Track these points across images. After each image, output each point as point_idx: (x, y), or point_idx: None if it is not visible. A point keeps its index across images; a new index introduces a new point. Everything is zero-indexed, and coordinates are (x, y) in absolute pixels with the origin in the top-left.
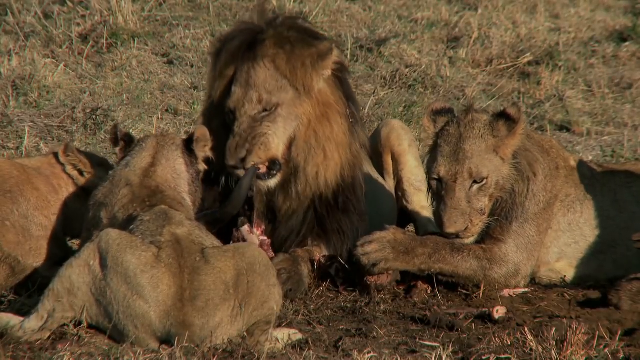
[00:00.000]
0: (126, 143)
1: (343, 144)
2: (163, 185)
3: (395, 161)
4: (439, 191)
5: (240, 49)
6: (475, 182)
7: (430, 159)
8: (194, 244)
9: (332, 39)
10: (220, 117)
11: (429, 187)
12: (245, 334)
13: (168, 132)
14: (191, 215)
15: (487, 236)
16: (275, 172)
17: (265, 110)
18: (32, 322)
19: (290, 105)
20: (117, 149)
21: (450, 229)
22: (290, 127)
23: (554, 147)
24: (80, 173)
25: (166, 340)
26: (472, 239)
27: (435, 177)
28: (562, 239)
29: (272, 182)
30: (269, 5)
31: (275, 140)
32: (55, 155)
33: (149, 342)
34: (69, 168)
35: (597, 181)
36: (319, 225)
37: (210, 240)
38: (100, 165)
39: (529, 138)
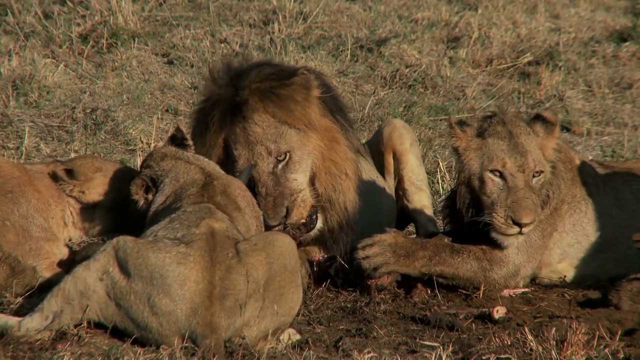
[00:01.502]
0: (150, 186)
1: (353, 159)
2: (229, 186)
3: (397, 160)
4: (497, 186)
5: (224, 116)
6: (534, 175)
7: (482, 155)
8: (229, 238)
9: (303, 66)
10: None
11: (480, 184)
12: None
13: (152, 149)
14: (257, 214)
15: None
16: (315, 216)
17: (278, 160)
18: (35, 322)
19: (299, 147)
20: (150, 195)
21: (527, 218)
22: (308, 167)
23: (562, 149)
24: (82, 192)
25: (189, 338)
26: (524, 237)
27: (499, 169)
28: (565, 240)
29: (319, 225)
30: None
31: (305, 189)
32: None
33: (172, 340)
34: (67, 192)
35: (599, 180)
36: (319, 239)
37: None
38: (99, 171)
39: None
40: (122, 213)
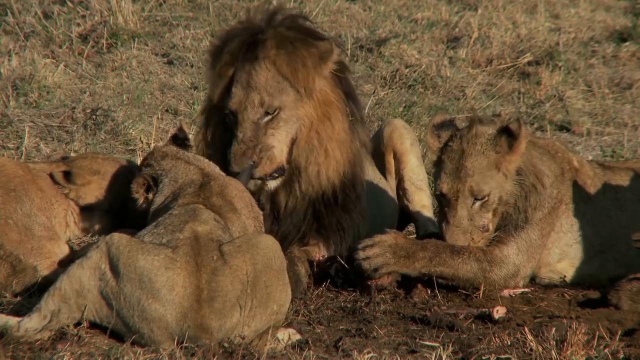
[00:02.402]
0: (151, 185)
1: (344, 141)
2: (226, 187)
3: (397, 160)
4: (442, 207)
5: (240, 49)
6: (476, 199)
7: (435, 175)
8: (212, 241)
9: (332, 38)
10: (218, 115)
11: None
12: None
13: (153, 148)
14: (256, 215)
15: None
16: (277, 175)
17: (267, 113)
18: (34, 322)
19: (291, 108)
20: (151, 194)
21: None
22: (292, 130)
23: (559, 150)
24: (78, 196)
25: (182, 341)
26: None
27: (438, 193)
28: (564, 240)
29: (273, 184)
30: (270, 7)
31: (279, 147)
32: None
33: (164, 345)
34: (65, 194)
35: (598, 180)
36: (318, 222)
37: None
38: (97, 174)
39: (535, 147)
40: (120, 215)
